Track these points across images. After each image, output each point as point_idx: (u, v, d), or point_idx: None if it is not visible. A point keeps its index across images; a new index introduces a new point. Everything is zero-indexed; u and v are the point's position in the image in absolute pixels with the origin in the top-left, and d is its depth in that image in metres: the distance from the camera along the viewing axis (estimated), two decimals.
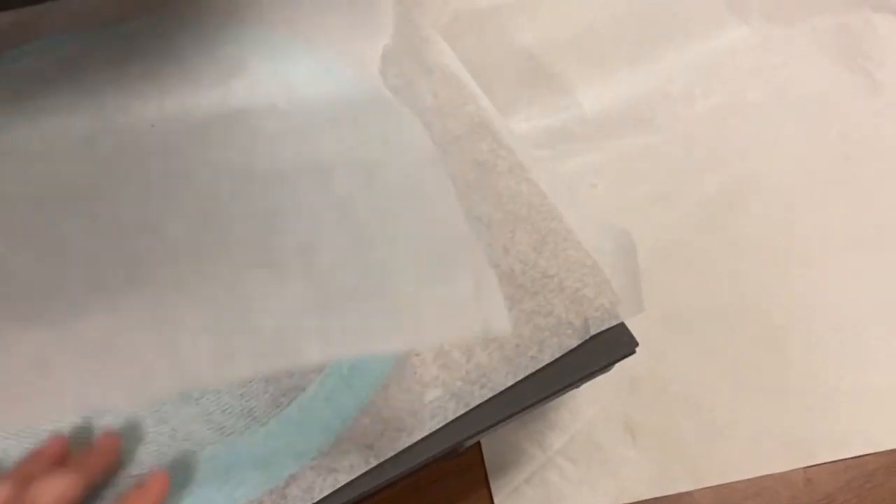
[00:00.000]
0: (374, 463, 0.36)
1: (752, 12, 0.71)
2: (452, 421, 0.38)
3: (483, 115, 0.47)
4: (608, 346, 0.41)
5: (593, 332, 0.41)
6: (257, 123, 0.46)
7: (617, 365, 0.41)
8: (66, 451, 0.35)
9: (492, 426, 0.39)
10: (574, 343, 0.40)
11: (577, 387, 0.42)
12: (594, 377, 0.42)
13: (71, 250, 0.40)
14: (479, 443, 0.52)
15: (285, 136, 0.45)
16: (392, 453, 0.36)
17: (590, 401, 0.53)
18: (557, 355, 0.40)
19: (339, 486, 0.35)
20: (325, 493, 0.35)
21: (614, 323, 0.41)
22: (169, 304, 0.37)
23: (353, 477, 0.36)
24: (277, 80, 0.48)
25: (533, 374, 0.40)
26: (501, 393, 0.39)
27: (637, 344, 0.42)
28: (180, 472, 0.35)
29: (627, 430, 0.53)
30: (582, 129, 0.64)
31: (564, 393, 0.42)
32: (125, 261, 0.39)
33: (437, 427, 0.37)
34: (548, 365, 0.40)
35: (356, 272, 0.38)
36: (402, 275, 0.38)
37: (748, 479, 0.52)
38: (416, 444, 0.37)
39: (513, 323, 0.40)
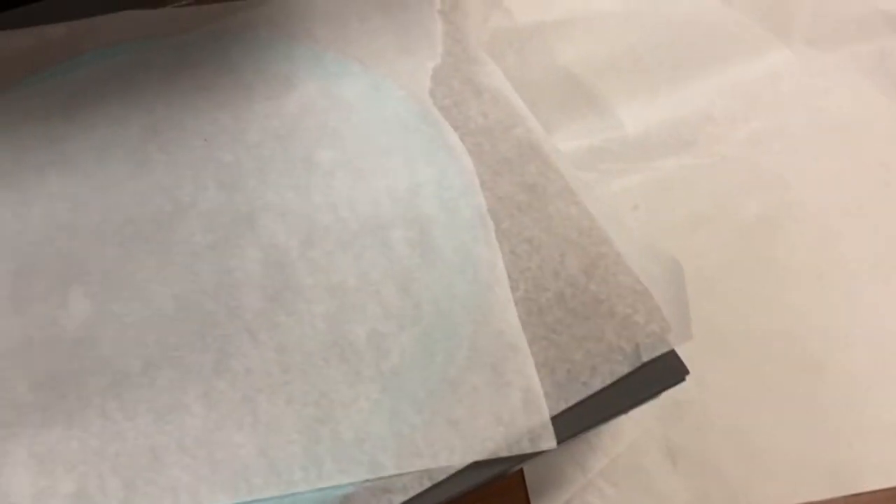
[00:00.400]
0: (427, 485, 0.36)
1: (794, 36, 0.70)
2: None
3: (532, 137, 0.47)
4: (659, 374, 0.41)
5: (645, 358, 0.41)
6: (311, 150, 0.46)
7: None
8: None
9: (541, 452, 0.39)
10: (625, 369, 0.40)
11: (626, 413, 0.42)
12: (643, 404, 0.42)
13: (152, 309, 0.40)
14: (521, 471, 0.51)
15: (339, 170, 0.45)
16: (445, 476, 0.36)
17: (632, 424, 0.53)
18: (608, 382, 0.40)
19: None
20: None
21: (665, 350, 0.41)
22: (260, 401, 0.38)
23: (406, 498, 0.36)
24: (329, 99, 0.49)
25: (583, 401, 0.40)
26: (552, 419, 0.39)
27: (688, 372, 0.42)
28: None
29: (669, 455, 0.53)
30: (623, 149, 0.64)
31: (612, 419, 0.42)
32: (209, 340, 0.39)
33: None
34: (598, 391, 0.40)
35: (421, 374, 0.38)
36: (461, 379, 0.38)
37: None
38: (469, 467, 0.37)
39: (563, 348, 0.40)
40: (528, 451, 0.37)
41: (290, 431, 0.37)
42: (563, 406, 0.39)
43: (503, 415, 0.37)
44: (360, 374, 0.38)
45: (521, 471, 0.51)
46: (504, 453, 0.37)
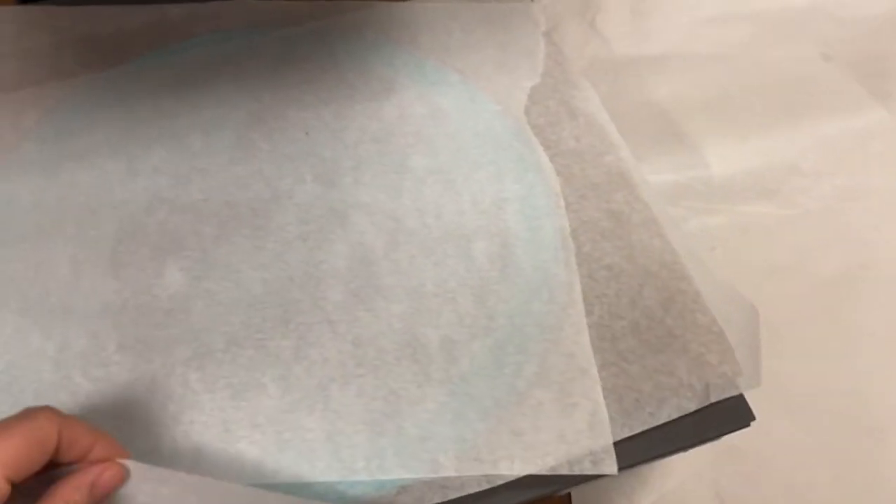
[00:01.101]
0: (485, 486, 0.36)
1: (891, 98, 0.69)
2: None
3: (622, 165, 0.48)
4: (725, 416, 0.41)
5: (713, 398, 0.40)
6: (405, 154, 0.47)
7: None
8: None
9: (596, 477, 0.39)
10: (692, 407, 0.40)
11: (685, 450, 0.42)
12: (704, 444, 0.42)
13: (241, 290, 0.42)
14: (569, 495, 0.52)
15: (430, 177, 0.46)
16: (503, 482, 0.37)
17: (683, 464, 0.53)
18: (674, 416, 0.40)
19: (446, 500, 0.36)
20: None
21: (734, 393, 0.41)
22: (333, 389, 0.39)
23: (461, 495, 0.36)
24: (426, 106, 0.50)
25: (646, 432, 0.40)
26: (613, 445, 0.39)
27: (753, 418, 0.41)
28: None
29: (717, 499, 0.52)
30: (707, 189, 0.64)
31: (671, 455, 0.41)
32: (291, 327, 0.41)
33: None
34: (662, 426, 0.40)
35: (489, 383, 0.39)
36: (528, 393, 0.39)
37: None
38: (525, 480, 0.38)
39: (633, 377, 0.40)
40: (589, 472, 0.37)
41: (357, 422, 0.38)
42: (626, 433, 0.39)
43: (567, 433, 0.38)
44: (429, 376, 0.39)
45: (569, 496, 0.51)
46: (564, 471, 0.37)
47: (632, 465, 0.39)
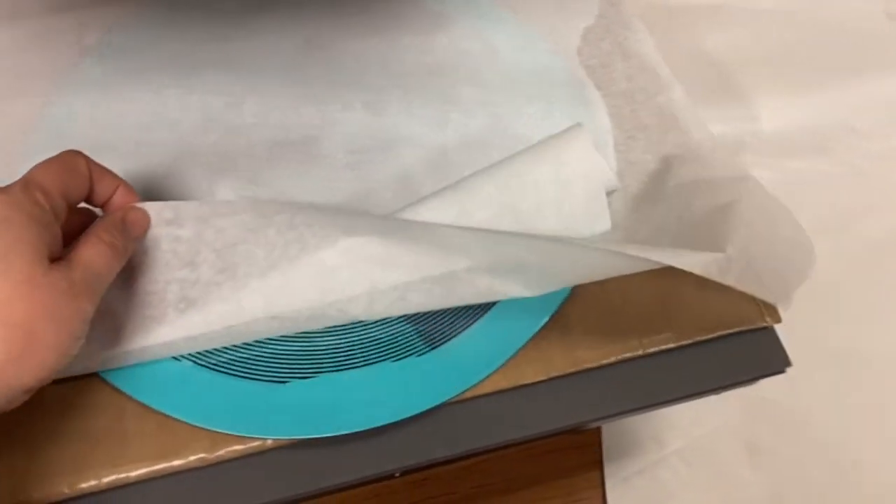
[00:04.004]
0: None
1: None
2: (589, 399, 0.39)
3: (673, 106, 0.48)
4: (760, 360, 0.41)
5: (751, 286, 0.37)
6: (454, 87, 0.48)
7: None
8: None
9: (624, 413, 0.40)
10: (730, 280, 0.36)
11: (717, 393, 0.42)
12: (737, 387, 0.42)
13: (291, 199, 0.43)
14: (599, 429, 0.52)
15: (478, 111, 0.47)
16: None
17: (715, 410, 0.53)
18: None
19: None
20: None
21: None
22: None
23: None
24: (478, 42, 0.50)
25: (678, 372, 0.40)
26: (640, 381, 0.39)
27: (790, 364, 0.41)
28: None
29: (747, 448, 0.53)
30: (757, 143, 0.63)
31: (701, 397, 0.42)
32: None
33: None
34: (694, 365, 0.40)
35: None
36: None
37: None
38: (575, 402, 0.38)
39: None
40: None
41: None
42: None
43: None
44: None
45: (600, 432, 0.52)
46: None
47: (664, 403, 0.40)
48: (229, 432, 0.35)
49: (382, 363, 0.37)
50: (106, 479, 0.35)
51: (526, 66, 0.49)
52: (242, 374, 0.37)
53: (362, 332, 0.38)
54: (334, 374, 0.37)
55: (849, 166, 0.63)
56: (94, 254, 0.32)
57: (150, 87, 0.47)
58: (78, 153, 0.34)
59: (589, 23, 0.51)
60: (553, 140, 0.42)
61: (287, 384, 0.36)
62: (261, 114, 0.46)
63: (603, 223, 0.41)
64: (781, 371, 0.42)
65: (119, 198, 0.35)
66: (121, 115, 0.46)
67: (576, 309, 0.40)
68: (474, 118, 0.46)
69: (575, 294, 0.40)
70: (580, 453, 0.51)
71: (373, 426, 0.35)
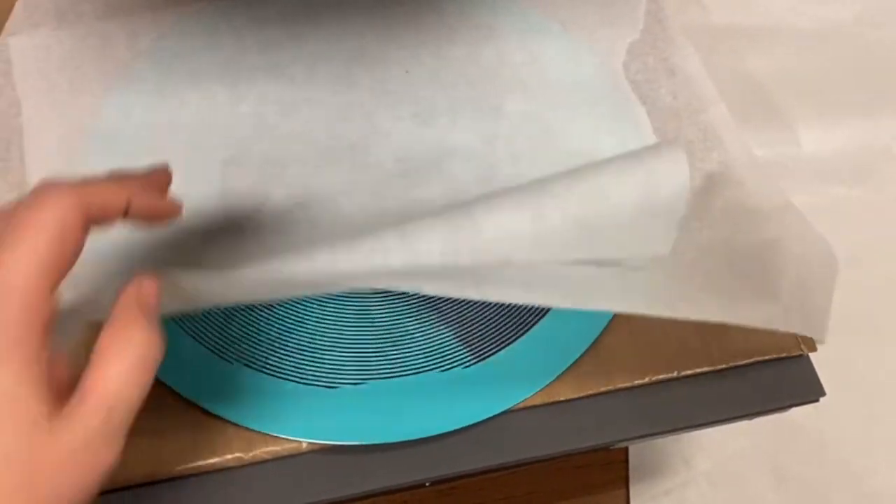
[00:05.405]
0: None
1: None
2: (622, 419, 0.39)
3: (718, 124, 0.48)
4: (795, 388, 0.41)
5: (793, 327, 0.38)
6: (502, 100, 0.48)
7: None
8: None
9: (657, 434, 0.40)
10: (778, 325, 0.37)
11: (750, 419, 0.42)
12: (770, 414, 0.42)
13: (341, 218, 0.43)
14: (626, 449, 0.52)
15: (526, 124, 0.47)
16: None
17: (744, 433, 0.53)
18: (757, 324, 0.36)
19: None
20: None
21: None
22: None
23: None
24: (526, 54, 0.50)
25: (712, 396, 0.40)
26: (674, 404, 0.39)
27: (824, 394, 0.41)
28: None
29: (774, 473, 0.52)
30: (796, 167, 0.63)
31: (734, 422, 0.42)
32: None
33: None
34: (728, 390, 0.40)
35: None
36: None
37: None
38: (607, 424, 0.38)
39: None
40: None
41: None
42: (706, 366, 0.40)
43: None
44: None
45: (626, 450, 0.52)
46: None
47: (697, 427, 0.40)
48: (277, 434, 0.36)
49: (429, 373, 0.38)
50: (140, 473, 0.35)
51: (574, 80, 0.49)
52: (292, 378, 0.37)
53: (410, 341, 0.39)
54: (383, 381, 0.37)
55: (889, 193, 0.63)
56: (117, 381, 0.24)
57: (202, 93, 0.48)
58: (63, 204, 0.24)
59: (635, 37, 0.52)
60: (648, 158, 0.39)
61: (336, 389, 0.37)
62: (311, 121, 0.47)
63: (663, 247, 0.41)
64: (815, 400, 0.42)
65: (139, 203, 0.28)
66: (173, 120, 0.46)
67: (613, 329, 0.41)
68: (522, 131, 0.47)
69: (614, 315, 0.41)
70: (607, 471, 0.51)
71: (422, 436, 0.36)
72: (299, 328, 0.39)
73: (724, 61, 0.66)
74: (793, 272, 0.38)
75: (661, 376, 0.40)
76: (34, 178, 0.44)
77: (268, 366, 0.38)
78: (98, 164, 0.44)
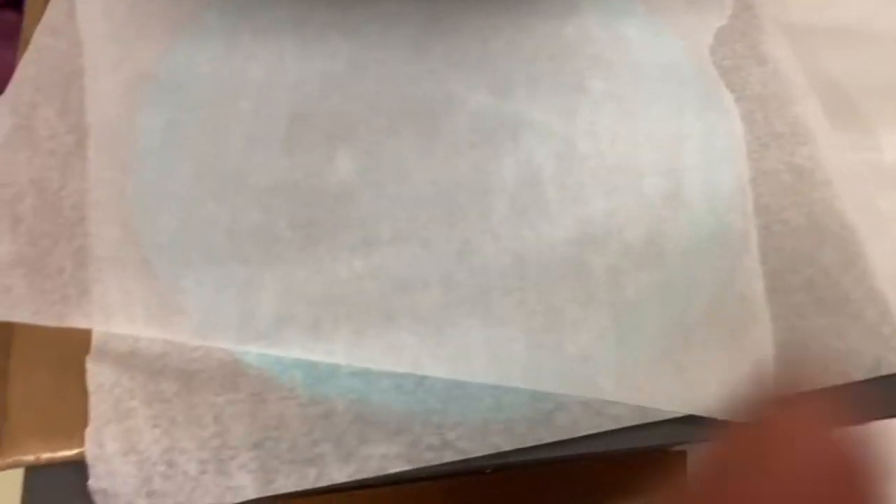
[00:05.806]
0: (636, 422, 0.35)
1: None
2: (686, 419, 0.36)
3: (809, 119, 0.45)
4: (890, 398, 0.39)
5: (883, 372, 0.38)
6: (582, 77, 0.46)
7: None
8: None
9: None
10: (858, 376, 0.38)
11: None
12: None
13: (409, 187, 0.41)
14: (685, 453, 0.50)
15: (607, 103, 0.44)
16: (657, 419, 0.35)
17: None
18: (837, 382, 0.38)
19: (601, 430, 0.35)
20: (587, 431, 0.35)
21: None
22: (494, 297, 0.38)
23: (617, 427, 0.35)
24: (608, 33, 0.48)
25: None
26: None
27: None
28: None
29: None
30: (875, 175, 0.59)
31: None
32: (456, 232, 0.40)
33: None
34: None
35: (655, 315, 0.38)
36: (695, 331, 0.37)
37: None
38: (663, 423, 0.36)
39: (802, 333, 0.38)
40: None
41: (516, 332, 0.37)
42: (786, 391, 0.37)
43: (731, 378, 0.36)
44: (593, 298, 0.38)
45: (685, 455, 0.49)
46: (721, 416, 0.35)
47: None
48: None
49: None
50: None
51: (657, 62, 0.47)
52: None
53: None
54: None
55: None
56: None
57: (271, 47, 0.46)
58: None
59: (722, 23, 0.49)
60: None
61: None
62: (382, 82, 0.44)
63: None
64: None
65: None
66: (240, 72, 0.44)
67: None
68: (602, 109, 0.44)
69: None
70: (664, 474, 0.48)
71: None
72: None
73: (803, 60, 0.63)
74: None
75: None
76: (93, 120, 0.42)
77: None
78: (160, 113, 0.42)
